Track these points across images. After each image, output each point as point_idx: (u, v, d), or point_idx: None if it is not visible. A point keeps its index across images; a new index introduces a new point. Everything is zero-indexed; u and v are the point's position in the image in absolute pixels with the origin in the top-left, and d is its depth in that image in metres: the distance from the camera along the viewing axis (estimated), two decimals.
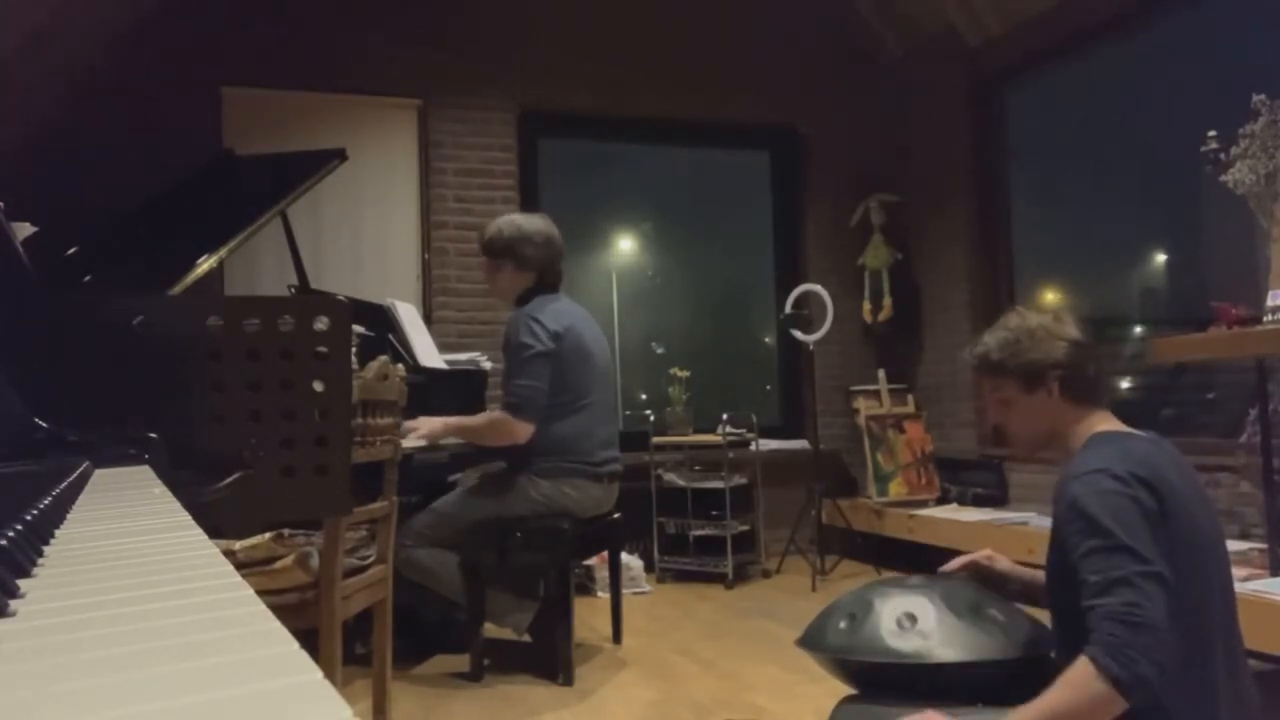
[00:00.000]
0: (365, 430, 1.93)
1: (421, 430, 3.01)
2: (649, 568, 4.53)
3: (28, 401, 1.10)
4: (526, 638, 3.12)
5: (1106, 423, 1.59)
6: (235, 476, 1.23)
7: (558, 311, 3.10)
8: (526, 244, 3.14)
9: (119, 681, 0.30)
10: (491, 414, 3.17)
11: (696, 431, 4.70)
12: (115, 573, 0.47)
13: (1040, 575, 1.74)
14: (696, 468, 4.69)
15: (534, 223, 3.20)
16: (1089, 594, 1.36)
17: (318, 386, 1.30)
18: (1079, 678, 1.33)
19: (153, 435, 1.13)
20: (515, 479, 3.04)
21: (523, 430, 2.98)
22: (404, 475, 2.34)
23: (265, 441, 1.27)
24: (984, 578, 1.80)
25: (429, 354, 3.67)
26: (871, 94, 5.48)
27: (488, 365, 3.95)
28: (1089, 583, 1.37)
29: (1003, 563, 1.82)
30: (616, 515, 3.31)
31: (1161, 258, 4.52)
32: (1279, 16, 3.50)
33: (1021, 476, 4.58)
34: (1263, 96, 2.70)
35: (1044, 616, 1.70)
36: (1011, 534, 3.86)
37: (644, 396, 5.63)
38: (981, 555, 1.83)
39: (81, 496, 0.80)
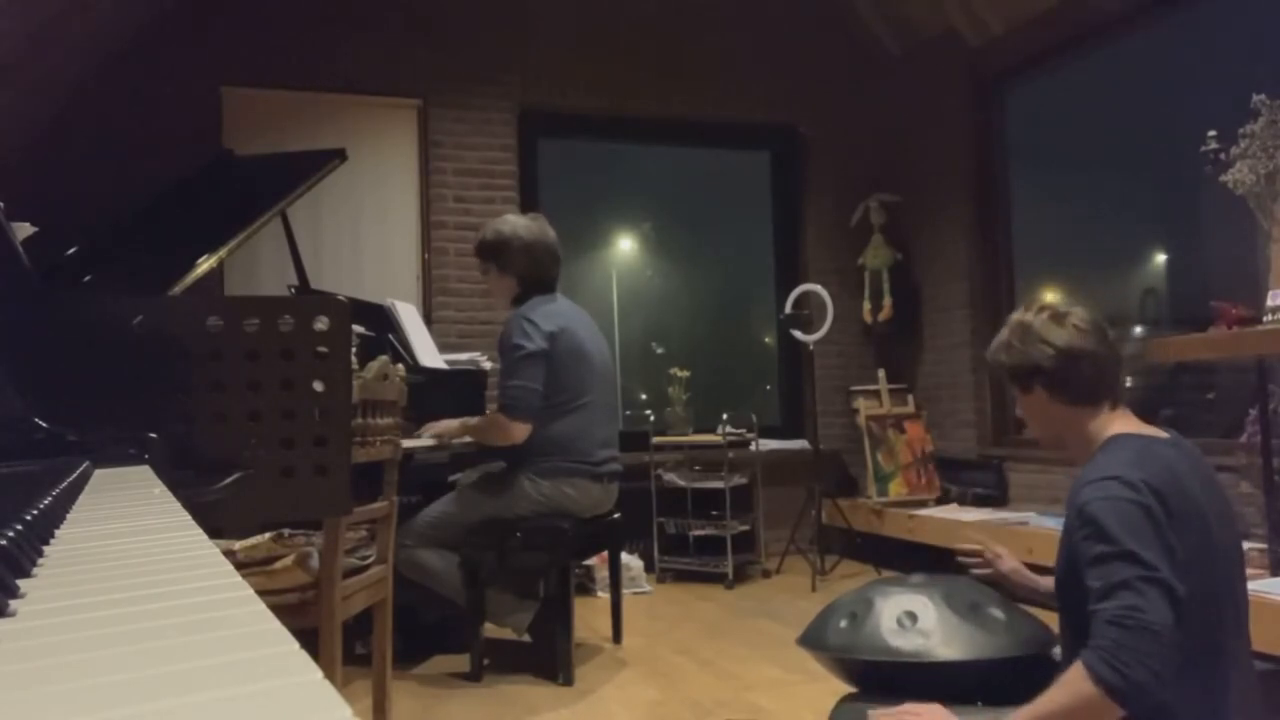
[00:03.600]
0: (365, 430, 1.93)
1: (438, 429, 3.11)
2: (649, 568, 4.53)
3: (28, 401, 1.10)
4: (526, 638, 3.12)
5: (1124, 423, 1.56)
6: (235, 476, 1.23)
7: (552, 312, 3.10)
8: (505, 248, 3.14)
9: (119, 681, 0.30)
10: (489, 415, 3.18)
11: (696, 431, 4.70)
12: (115, 573, 0.47)
13: (1044, 581, 1.75)
14: (696, 468, 4.69)
15: (519, 227, 3.17)
16: (1092, 599, 1.36)
17: (318, 386, 1.30)
18: (1072, 680, 1.32)
19: (153, 435, 1.13)
20: (515, 479, 3.05)
21: (518, 431, 2.99)
22: (404, 475, 2.35)
23: (265, 441, 1.27)
24: (989, 572, 1.81)
25: (429, 354, 3.67)
26: (871, 94, 5.48)
27: (488, 365, 3.96)
28: (1093, 588, 1.36)
29: (1007, 563, 1.83)
30: (616, 515, 3.31)
31: (1161, 258, 4.52)
32: (1279, 16, 3.50)
33: (1021, 476, 4.58)
34: (1263, 96, 2.69)
35: (1041, 614, 1.71)
36: (1011, 534, 3.86)
37: (644, 396, 5.63)
38: (995, 551, 1.84)
39: (81, 496, 0.80)
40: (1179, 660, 1.30)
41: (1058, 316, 1.59)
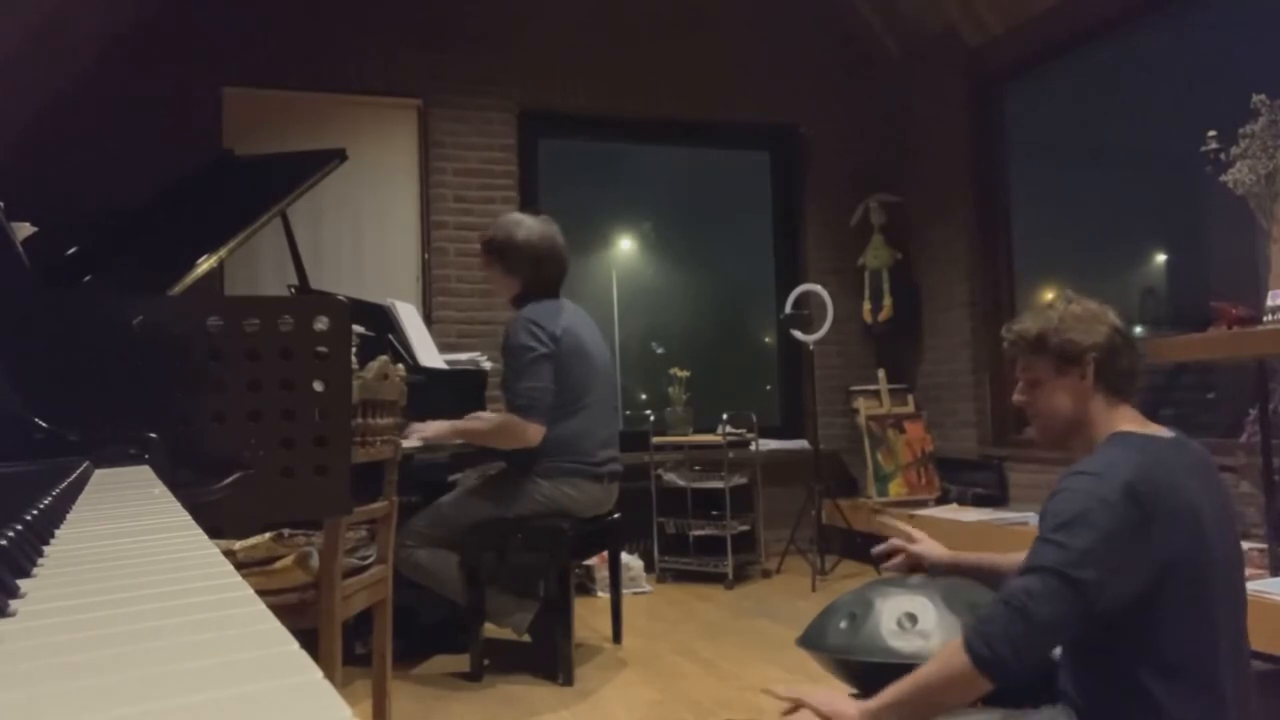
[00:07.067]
0: (365, 430, 1.93)
1: (427, 433, 3.05)
2: (649, 568, 4.53)
3: (27, 401, 1.10)
4: (526, 638, 3.12)
5: (1131, 422, 1.55)
6: (235, 476, 1.22)
7: (555, 314, 3.09)
8: (513, 251, 3.12)
9: (119, 681, 0.30)
10: (500, 417, 3.10)
11: (696, 431, 4.70)
12: (115, 573, 0.46)
13: (975, 556, 1.81)
14: (696, 468, 4.69)
15: (526, 231, 3.14)
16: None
17: (318, 386, 1.30)
18: (947, 650, 1.38)
19: (153, 435, 1.13)
20: (515, 479, 3.04)
21: (534, 432, 2.98)
22: (404, 475, 2.34)
23: (265, 441, 1.27)
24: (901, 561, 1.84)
25: (429, 354, 3.67)
26: (871, 94, 5.48)
27: (488, 365, 3.96)
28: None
29: (933, 554, 1.84)
30: (616, 515, 3.31)
31: (1161, 258, 4.52)
32: (1279, 16, 3.50)
33: (1021, 476, 4.58)
34: (1263, 96, 2.69)
35: None
36: (1011, 534, 3.86)
37: (644, 396, 5.63)
38: (899, 543, 1.85)
39: (81, 496, 0.80)
40: (1050, 649, 1.34)
41: (1102, 308, 1.60)
